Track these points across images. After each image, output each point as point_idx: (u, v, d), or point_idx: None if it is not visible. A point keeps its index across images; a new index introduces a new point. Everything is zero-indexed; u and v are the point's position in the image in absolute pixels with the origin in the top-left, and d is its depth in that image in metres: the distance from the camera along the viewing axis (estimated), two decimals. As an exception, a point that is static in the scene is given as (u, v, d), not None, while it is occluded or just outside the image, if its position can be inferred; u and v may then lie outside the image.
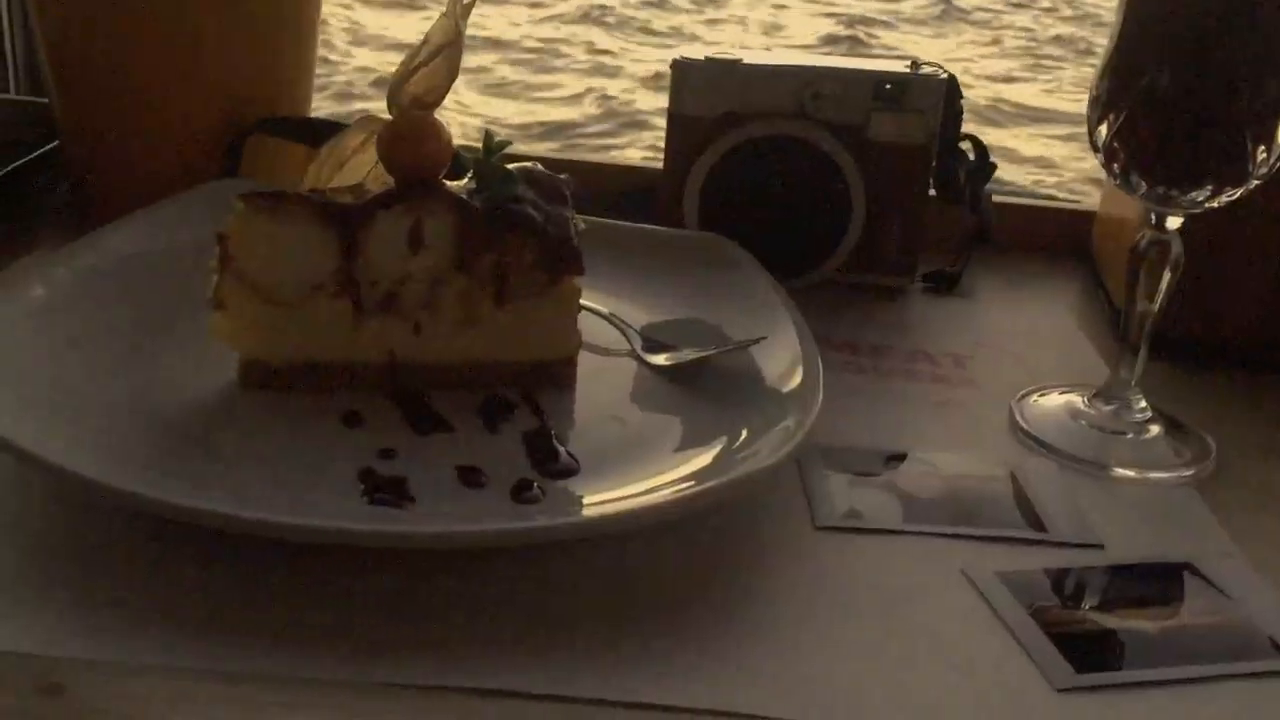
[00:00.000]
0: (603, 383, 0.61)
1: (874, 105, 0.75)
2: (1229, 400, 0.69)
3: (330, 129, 0.71)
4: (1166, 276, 0.59)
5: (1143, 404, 0.63)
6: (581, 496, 0.52)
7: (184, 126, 0.75)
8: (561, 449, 0.55)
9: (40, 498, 0.51)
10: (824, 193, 0.76)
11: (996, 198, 0.83)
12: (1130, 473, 0.60)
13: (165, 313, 0.61)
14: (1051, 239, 0.87)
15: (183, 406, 0.56)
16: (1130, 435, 0.62)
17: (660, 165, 0.79)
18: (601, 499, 0.51)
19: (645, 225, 0.74)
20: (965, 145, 0.80)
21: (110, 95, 0.75)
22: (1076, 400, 0.64)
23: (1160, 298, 0.60)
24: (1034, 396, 0.65)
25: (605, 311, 0.66)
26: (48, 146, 0.81)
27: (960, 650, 0.46)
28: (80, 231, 0.66)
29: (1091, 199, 0.89)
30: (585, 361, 0.61)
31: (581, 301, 0.60)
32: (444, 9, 0.58)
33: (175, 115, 0.75)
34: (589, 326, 0.62)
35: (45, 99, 0.82)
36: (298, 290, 0.57)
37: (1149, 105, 0.56)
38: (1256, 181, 0.57)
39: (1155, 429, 0.62)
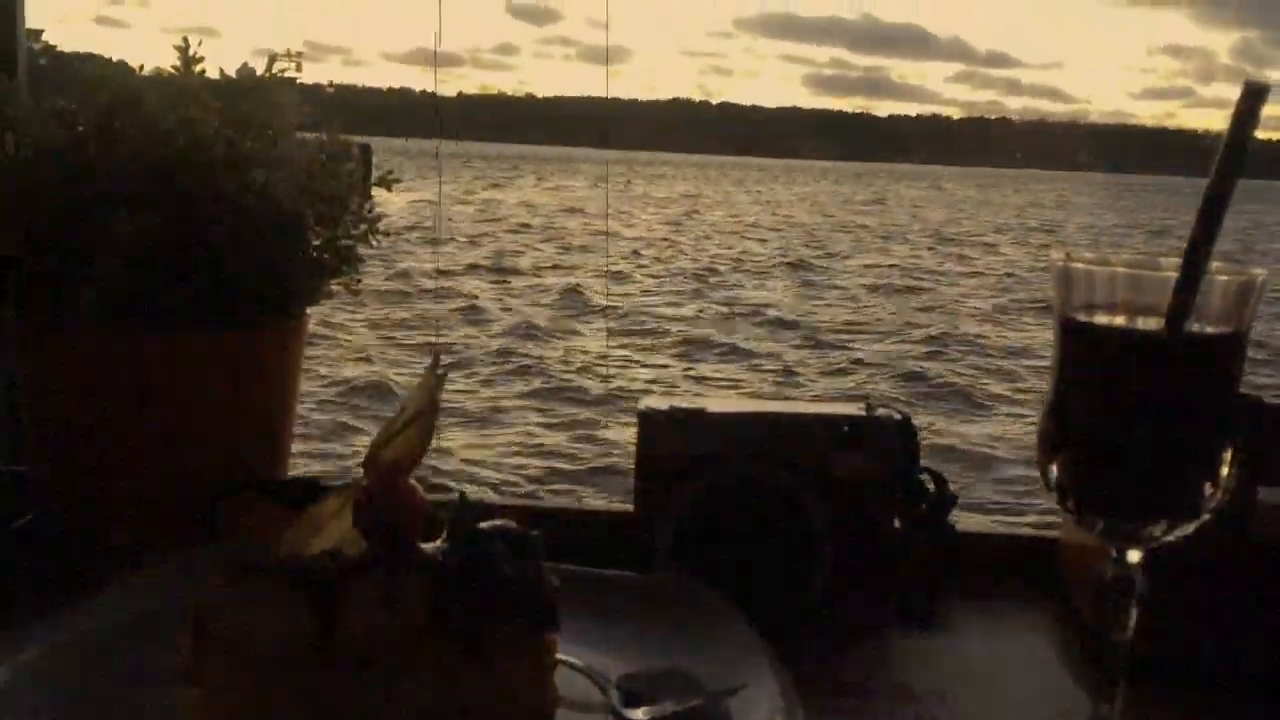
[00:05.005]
0: (582, 741, 0.60)
1: (834, 446, 0.78)
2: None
3: (307, 489, 0.72)
4: (1134, 612, 0.60)
5: (1130, 740, 0.62)
6: None
7: (164, 493, 0.77)
8: (541, 821, 0.53)
9: None
10: (792, 530, 0.78)
11: (960, 527, 0.85)
12: (1129, 817, 0.58)
13: (136, 688, 0.60)
14: (1018, 565, 0.89)
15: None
16: (1123, 776, 0.61)
17: (631, 509, 0.80)
18: None
19: (617, 572, 0.75)
20: (925, 477, 0.82)
21: (93, 461, 0.77)
22: (1063, 738, 0.63)
23: (1130, 629, 0.60)
24: (1019, 736, 0.65)
25: (581, 665, 0.66)
26: (24, 519, 0.82)
27: None
28: (55, 604, 0.66)
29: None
30: (563, 719, 0.60)
31: (557, 655, 0.60)
32: (420, 379, 0.61)
33: (155, 481, 0.77)
34: (566, 680, 0.62)
35: (23, 468, 0.83)
36: (273, 658, 0.57)
37: (1091, 446, 0.58)
38: (1208, 515, 0.58)
39: (1147, 767, 0.61)
